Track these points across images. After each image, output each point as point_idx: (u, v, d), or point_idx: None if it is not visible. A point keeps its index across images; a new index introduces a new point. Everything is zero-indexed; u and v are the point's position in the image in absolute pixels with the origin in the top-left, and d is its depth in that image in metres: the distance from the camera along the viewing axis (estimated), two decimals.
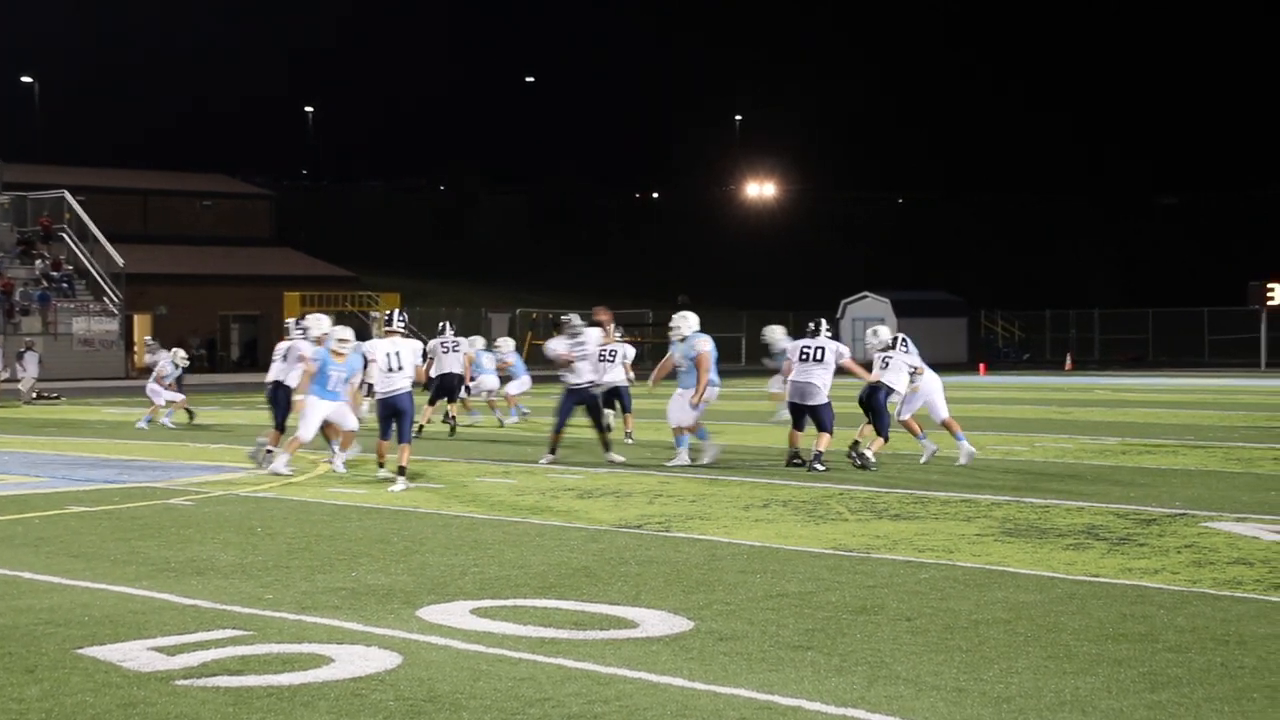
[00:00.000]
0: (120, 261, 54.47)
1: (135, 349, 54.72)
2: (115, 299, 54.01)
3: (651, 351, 56.78)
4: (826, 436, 16.69)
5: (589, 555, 10.59)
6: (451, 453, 19.36)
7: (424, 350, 19.03)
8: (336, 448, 17.02)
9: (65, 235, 56.14)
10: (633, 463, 17.66)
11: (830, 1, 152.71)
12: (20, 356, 37.18)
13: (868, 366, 17.34)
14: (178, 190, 69.63)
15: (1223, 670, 7.07)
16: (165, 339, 41.91)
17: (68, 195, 57.03)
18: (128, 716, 6.34)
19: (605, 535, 11.63)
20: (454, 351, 23.11)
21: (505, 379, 26.25)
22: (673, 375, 18.00)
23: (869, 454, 16.51)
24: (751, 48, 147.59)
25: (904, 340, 17.37)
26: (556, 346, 17.92)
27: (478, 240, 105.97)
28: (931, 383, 17.36)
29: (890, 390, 16.96)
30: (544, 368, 18.26)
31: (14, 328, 50.26)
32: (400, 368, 15.48)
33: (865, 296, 65.90)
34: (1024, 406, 29.77)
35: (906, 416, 17.30)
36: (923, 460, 17.11)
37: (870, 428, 16.91)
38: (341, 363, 16.46)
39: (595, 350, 18.21)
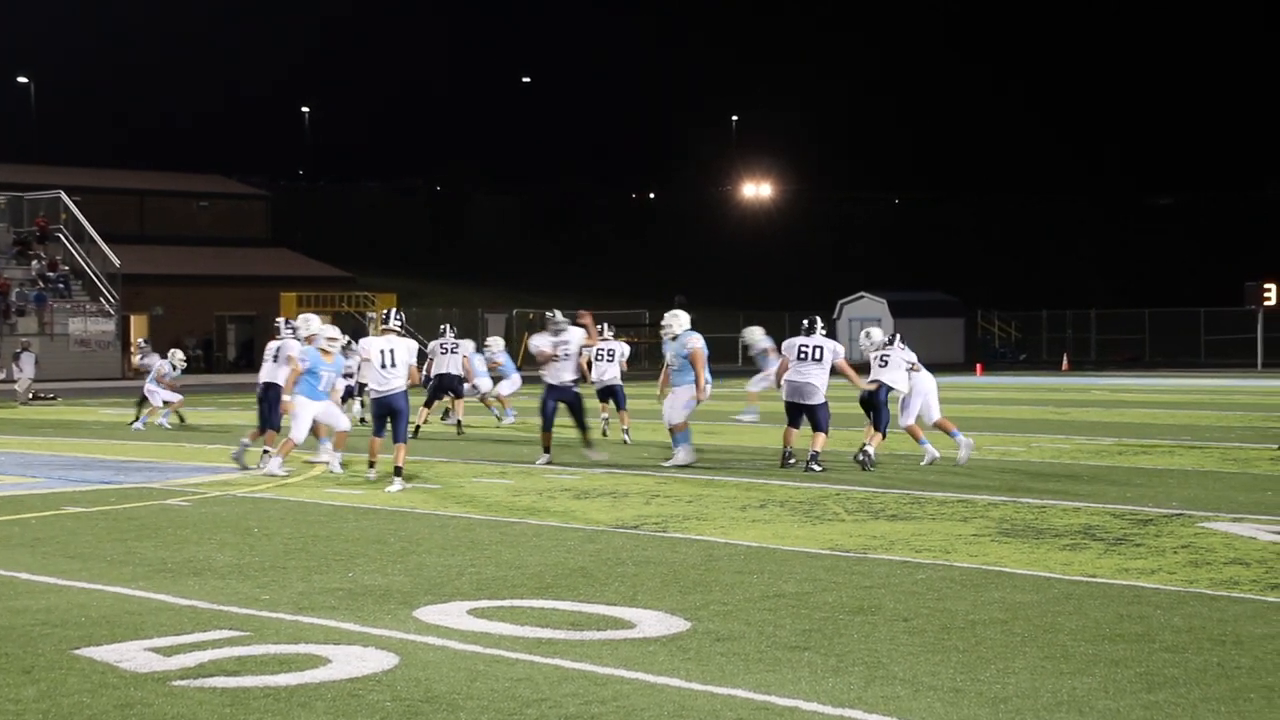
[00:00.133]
0: (116, 262, 54.40)
1: (131, 349, 54.63)
2: (111, 299, 53.96)
3: (648, 351, 56.76)
4: (823, 436, 16.68)
5: (586, 556, 10.59)
6: (448, 453, 19.36)
7: (420, 350, 19.02)
8: (329, 444, 17.00)
9: (61, 236, 56.07)
10: (630, 463, 17.66)
11: (829, 2, 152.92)
12: (16, 357, 37.10)
13: (862, 369, 17.30)
14: (174, 190, 69.51)
15: (1219, 670, 7.07)
16: (161, 339, 41.84)
17: (64, 195, 56.96)
18: (125, 717, 6.34)
19: (602, 536, 11.63)
20: (453, 353, 23.13)
21: (496, 379, 26.24)
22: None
23: (870, 449, 16.49)
24: (749, 48, 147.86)
25: (899, 339, 17.37)
26: (540, 343, 17.87)
27: (475, 240, 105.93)
28: (926, 383, 17.34)
29: (890, 388, 16.93)
30: (537, 368, 18.25)
31: (10, 328, 50.26)
32: (393, 365, 15.48)
33: (862, 297, 65.92)
34: (1020, 407, 29.78)
35: (910, 422, 17.20)
36: (923, 463, 17.08)
37: (872, 428, 16.86)
38: (330, 362, 16.48)
39: (578, 349, 18.15)
